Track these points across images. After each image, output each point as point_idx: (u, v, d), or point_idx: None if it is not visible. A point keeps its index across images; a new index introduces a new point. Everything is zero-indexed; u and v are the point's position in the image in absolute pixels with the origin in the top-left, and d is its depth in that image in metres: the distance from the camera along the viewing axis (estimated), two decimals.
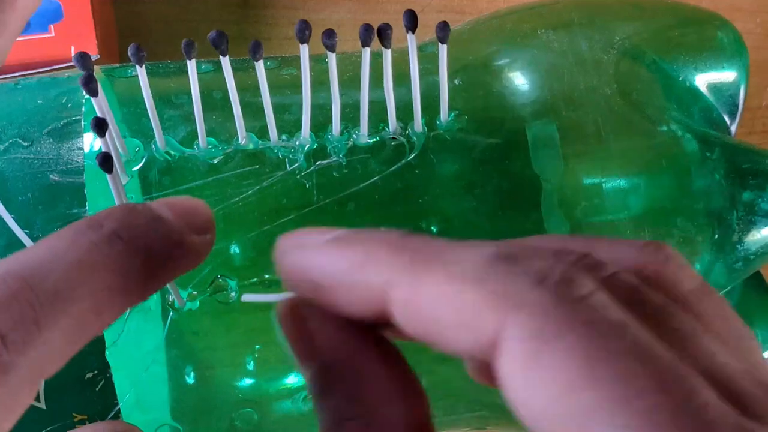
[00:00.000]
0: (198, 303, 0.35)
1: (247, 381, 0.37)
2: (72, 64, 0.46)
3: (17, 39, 0.44)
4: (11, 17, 0.31)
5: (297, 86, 0.35)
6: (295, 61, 0.37)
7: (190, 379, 0.36)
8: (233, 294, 0.35)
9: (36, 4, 0.32)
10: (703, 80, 0.41)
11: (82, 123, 0.36)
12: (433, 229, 0.36)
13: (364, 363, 0.25)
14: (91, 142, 0.35)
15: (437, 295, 0.22)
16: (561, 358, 0.19)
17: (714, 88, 0.41)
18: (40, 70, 0.46)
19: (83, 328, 0.23)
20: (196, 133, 0.35)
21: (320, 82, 0.36)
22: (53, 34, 0.47)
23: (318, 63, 0.38)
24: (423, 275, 0.22)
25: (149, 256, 0.25)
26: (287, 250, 0.25)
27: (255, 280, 0.35)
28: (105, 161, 0.31)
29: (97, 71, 0.39)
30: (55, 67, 0.46)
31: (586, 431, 0.19)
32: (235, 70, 0.34)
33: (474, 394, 0.39)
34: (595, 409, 0.19)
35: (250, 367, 0.37)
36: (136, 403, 0.36)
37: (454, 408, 0.39)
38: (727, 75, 0.41)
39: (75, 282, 0.23)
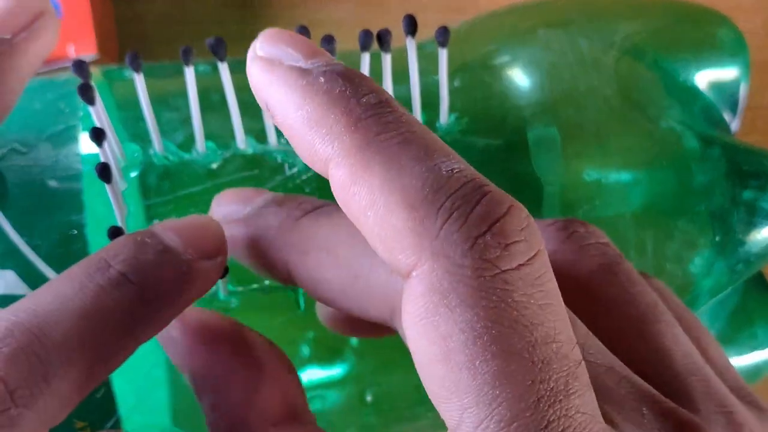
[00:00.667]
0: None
1: None
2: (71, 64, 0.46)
3: None
4: (23, 61, 0.30)
5: None
6: None
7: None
8: (233, 300, 0.35)
9: (50, 46, 0.32)
10: (703, 78, 0.41)
11: (80, 129, 0.36)
12: None
13: (220, 371, 0.28)
14: (88, 146, 0.35)
15: (370, 200, 0.21)
16: (452, 325, 0.20)
17: (714, 86, 0.41)
18: (39, 69, 0.46)
19: (92, 375, 0.23)
20: (195, 136, 0.35)
21: None
22: None
23: None
24: (365, 170, 0.21)
25: (159, 295, 0.25)
26: (265, 59, 0.24)
27: (256, 286, 0.35)
28: (103, 171, 0.30)
29: (96, 73, 0.39)
30: (54, 66, 0.46)
31: (451, 401, 0.20)
32: (234, 71, 0.34)
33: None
34: (463, 386, 0.20)
35: None
36: (136, 406, 0.36)
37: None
38: (727, 73, 0.41)
39: (83, 332, 0.23)
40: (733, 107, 0.41)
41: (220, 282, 0.34)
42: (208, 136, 0.35)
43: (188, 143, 0.35)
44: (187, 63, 0.32)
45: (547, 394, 0.19)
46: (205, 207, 0.35)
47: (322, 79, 0.22)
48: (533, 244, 0.20)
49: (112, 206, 0.32)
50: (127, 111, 0.36)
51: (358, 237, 0.23)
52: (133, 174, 0.35)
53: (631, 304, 0.26)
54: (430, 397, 0.21)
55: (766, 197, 0.38)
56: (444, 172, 0.21)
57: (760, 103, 0.55)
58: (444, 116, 0.36)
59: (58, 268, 0.34)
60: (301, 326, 0.36)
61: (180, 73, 0.33)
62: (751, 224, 0.38)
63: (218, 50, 0.32)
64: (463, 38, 0.40)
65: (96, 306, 0.23)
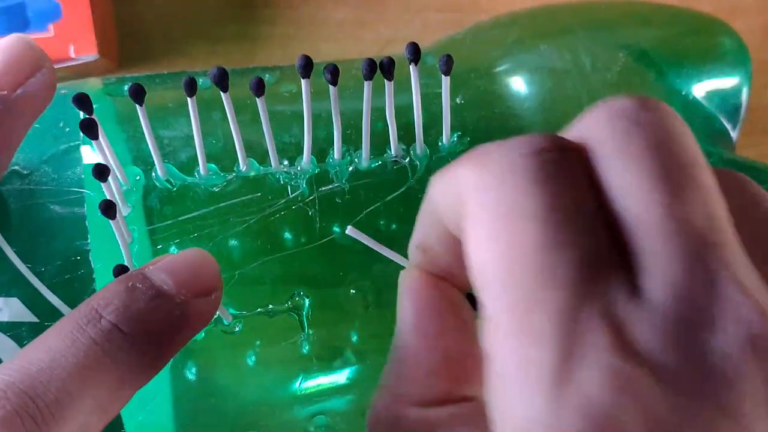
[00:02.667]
0: (203, 333, 0.35)
1: (249, 386, 0.37)
2: (71, 63, 0.46)
3: None
4: (19, 117, 0.30)
5: (296, 104, 0.34)
6: (294, 75, 0.37)
7: (192, 375, 0.37)
8: (237, 324, 0.35)
9: (48, 100, 0.31)
10: (705, 87, 0.40)
11: (82, 149, 0.35)
12: None
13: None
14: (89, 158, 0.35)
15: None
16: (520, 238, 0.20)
17: (716, 94, 0.41)
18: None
19: (89, 426, 0.23)
20: (197, 157, 0.35)
21: (320, 98, 0.35)
22: (52, 34, 0.46)
23: (317, 77, 0.38)
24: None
25: (153, 342, 0.25)
26: None
27: (260, 310, 0.35)
28: (107, 209, 0.30)
29: (98, 86, 0.38)
30: (54, 66, 0.45)
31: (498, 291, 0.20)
32: (235, 86, 0.34)
33: None
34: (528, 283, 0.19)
35: (251, 363, 0.37)
36: (139, 405, 0.37)
37: None
38: (729, 82, 0.41)
39: (76, 388, 0.23)
40: (734, 116, 0.41)
41: (221, 308, 0.34)
42: (210, 159, 0.35)
43: (191, 164, 0.35)
44: (190, 95, 0.32)
45: None
46: (207, 230, 0.35)
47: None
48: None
49: (114, 234, 0.32)
50: (128, 128, 0.36)
51: None
52: (136, 198, 0.35)
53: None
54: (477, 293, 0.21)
55: None
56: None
57: (759, 103, 0.55)
58: (446, 136, 0.36)
59: (63, 294, 0.34)
60: (305, 345, 0.37)
61: (181, 87, 0.33)
62: None
63: (221, 82, 0.32)
64: (464, 51, 0.40)
65: (89, 360, 0.24)
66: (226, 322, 0.35)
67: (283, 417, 0.38)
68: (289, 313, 0.35)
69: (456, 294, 0.27)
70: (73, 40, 0.46)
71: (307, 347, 0.37)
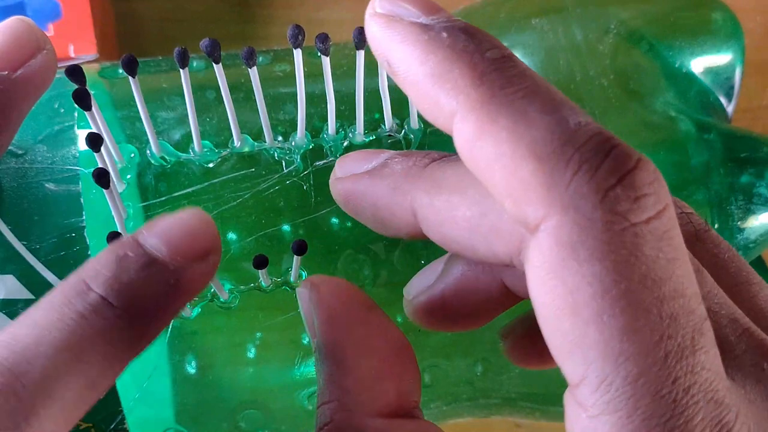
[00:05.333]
0: (199, 309, 0.35)
1: (249, 371, 0.37)
2: (71, 63, 0.46)
3: None
4: (20, 98, 0.30)
5: (290, 83, 0.34)
6: (288, 55, 0.37)
7: (192, 369, 0.36)
8: (234, 300, 0.35)
9: (49, 82, 0.31)
10: (699, 63, 0.40)
11: (76, 129, 0.35)
12: None
13: (350, 342, 0.26)
14: (85, 148, 0.35)
15: (496, 153, 0.21)
16: (581, 279, 0.20)
17: (710, 70, 0.41)
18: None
19: (78, 405, 0.22)
20: (191, 135, 0.35)
21: (314, 77, 0.35)
22: (52, 33, 0.46)
23: (311, 57, 0.38)
24: (492, 123, 0.21)
25: (145, 314, 0.24)
26: (384, 16, 0.24)
27: (253, 285, 0.35)
28: (101, 177, 0.30)
29: (93, 70, 0.39)
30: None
31: (577, 356, 0.20)
32: (228, 67, 0.34)
33: (478, 385, 0.39)
34: (592, 341, 0.20)
35: (251, 354, 0.37)
36: (140, 398, 0.36)
37: (456, 397, 0.39)
38: (723, 57, 0.41)
39: (65, 364, 0.22)
40: (729, 92, 0.41)
41: (217, 284, 0.34)
42: (204, 135, 0.35)
43: (185, 142, 0.35)
44: (183, 66, 0.32)
45: (675, 350, 0.19)
46: (202, 206, 0.35)
47: (444, 34, 0.22)
48: (662, 198, 0.20)
49: (110, 209, 0.32)
50: (123, 110, 0.36)
51: None
52: (131, 176, 0.35)
53: (723, 268, 0.26)
54: (552, 352, 0.21)
55: (763, 183, 0.38)
56: (572, 125, 0.20)
57: (760, 103, 0.55)
58: None
59: (58, 271, 0.34)
60: (305, 337, 0.37)
61: (175, 69, 0.33)
62: (749, 211, 0.38)
63: (213, 52, 0.32)
64: None
65: (77, 336, 0.22)
66: (222, 299, 0.34)
67: (283, 400, 0.38)
68: (284, 287, 0.35)
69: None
70: (73, 39, 0.46)
71: (306, 337, 0.37)
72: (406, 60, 0.23)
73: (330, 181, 0.29)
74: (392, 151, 0.28)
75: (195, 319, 0.35)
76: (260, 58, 0.39)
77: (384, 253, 0.36)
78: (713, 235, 0.27)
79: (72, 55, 0.46)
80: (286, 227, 0.35)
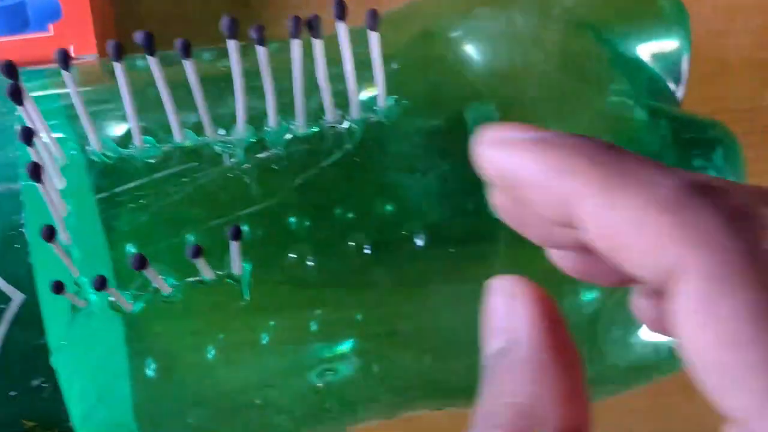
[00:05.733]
0: (143, 303, 0.35)
1: (209, 372, 0.37)
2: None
3: (16, 39, 0.45)
4: None
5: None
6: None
7: (151, 371, 0.36)
8: (177, 293, 0.35)
9: None
10: (646, 49, 0.40)
11: (17, 127, 0.35)
12: (385, 210, 0.36)
13: (533, 358, 0.25)
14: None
15: (625, 217, 0.21)
16: (733, 307, 0.19)
17: (658, 56, 0.41)
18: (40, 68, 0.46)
19: None
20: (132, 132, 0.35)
21: (256, 72, 0.35)
22: (52, 33, 0.46)
23: (254, 53, 0.38)
24: (615, 194, 0.22)
25: None
26: (488, 143, 0.25)
27: (192, 279, 0.35)
28: (34, 171, 0.30)
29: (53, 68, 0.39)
30: (53, 66, 0.46)
31: (741, 388, 0.19)
32: (170, 65, 0.34)
33: (431, 378, 0.39)
34: (754, 367, 0.19)
35: (211, 356, 0.37)
36: (99, 400, 0.36)
37: (408, 390, 0.39)
38: (669, 43, 0.41)
39: None
40: (677, 75, 0.41)
41: (158, 279, 0.33)
42: (146, 132, 0.35)
43: (129, 138, 0.35)
44: (117, 60, 0.32)
45: None
46: (145, 202, 0.35)
47: (552, 136, 0.24)
48: None
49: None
50: (70, 108, 0.36)
51: None
52: (72, 173, 0.35)
53: None
54: (711, 393, 0.20)
55: (713, 165, 0.38)
56: (689, 178, 0.21)
57: (760, 103, 0.55)
58: (381, 99, 0.36)
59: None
60: (260, 314, 0.36)
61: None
62: None
63: (149, 45, 0.32)
64: (401, 20, 0.40)
65: None
66: (164, 294, 0.34)
67: (241, 401, 0.38)
68: (227, 279, 0.35)
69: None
70: (73, 40, 0.46)
71: (266, 338, 0.37)
72: (524, 162, 0.24)
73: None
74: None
75: (153, 320, 0.35)
76: (205, 55, 0.39)
77: (333, 246, 0.36)
78: None
79: (72, 55, 0.46)
80: (228, 220, 0.35)
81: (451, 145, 0.37)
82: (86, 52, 0.46)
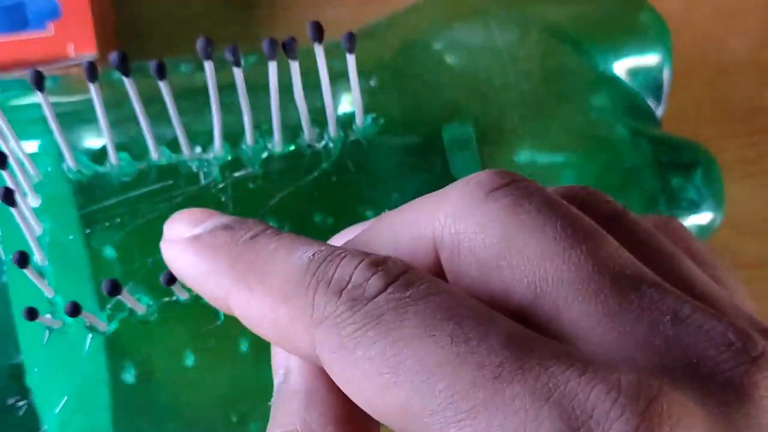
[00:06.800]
0: (116, 323, 0.34)
1: (188, 379, 0.37)
2: (71, 63, 0.46)
3: (15, 38, 0.45)
4: None
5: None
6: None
7: (131, 377, 0.36)
8: (153, 313, 0.35)
9: None
10: (626, 65, 0.40)
11: None
12: None
13: (304, 387, 0.26)
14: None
15: (259, 311, 0.23)
16: (361, 369, 0.21)
17: (638, 72, 0.41)
18: (39, 68, 0.46)
19: None
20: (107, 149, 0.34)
21: (234, 87, 0.35)
22: (52, 33, 0.46)
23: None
24: (251, 289, 0.24)
25: None
26: (167, 243, 0.27)
27: (167, 299, 0.34)
28: (6, 196, 0.30)
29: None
30: (54, 65, 0.46)
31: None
32: (149, 76, 0.34)
33: None
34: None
35: (190, 362, 0.37)
36: (78, 407, 0.36)
37: None
38: (650, 59, 0.41)
39: None
40: (657, 92, 0.41)
41: (132, 300, 0.33)
42: (123, 147, 0.35)
43: (105, 154, 0.35)
44: (92, 80, 0.32)
45: None
46: (120, 221, 0.34)
47: (207, 237, 0.25)
48: (393, 269, 0.22)
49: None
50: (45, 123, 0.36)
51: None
52: (46, 190, 0.34)
53: (643, 244, 0.26)
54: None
55: (691, 186, 0.38)
56: (305, 260, 0.23)
57: (760, 103, 0.55)
58: (359, 118, 0.36)
59: None
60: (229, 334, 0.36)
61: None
62: (679, 212, 0.38)
63: (122, 65, 0.32)
64: (380, 34, 0.40)
65: None
66: (139, 314, 0.34)
67: (218, 411, 0.38)
68: (202, 300, 0.34)
69: None
70: (73, 39, 0.46)
71: (245, 346, 0.37)
72: (187, 269, 0.26)
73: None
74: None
75: (133, 327, 0.35)
76: (182, 67, 0.39)
77: None
78: (631, 219, 0.27)
79: (72, 54, 0.46)
80: None
81: (428, 164, 0.37)
82: (86, 52, 0.46)
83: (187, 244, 0.26)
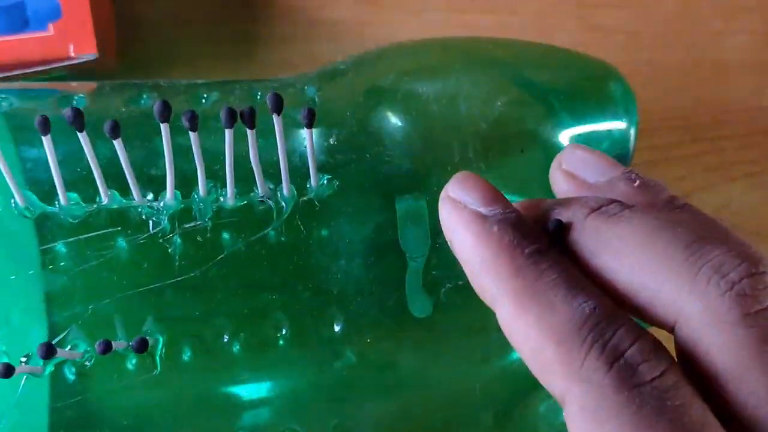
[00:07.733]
0: (52, 367, 0.34)
1: (128, 383, 0.37)
2: (71, 63, 0.45)
3: (15, 38, 0.44)
4: None
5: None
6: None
7: (71, 375, 0.36)
8: (86, 362, 0.35)
9: None
10: (592, 129, 0.40)
11: None
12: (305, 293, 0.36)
13: None
14: None
15: (525, 334, 0.25)
16: None
17: (605, 137, 0.40)
18: (39, 68, 0.46)
19: None
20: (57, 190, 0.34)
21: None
22: (52, 33, 0.46)
23: (194, 105, 0.37)
24: (525, 310, 0.25)
25: None
26: (449, 193, 0.29)
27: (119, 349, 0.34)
28: None
29: None
30: (54, 65, 0.46)
31: None
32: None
33: None
34: None
35: (131, 366, 0.37)
36: (16, 404, 0.36)
37: None
38: (617, 125, 0.40)
39: None
40: (624, 160, 0.41)
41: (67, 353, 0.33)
42: (74, 187, 0.35)
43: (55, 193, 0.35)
44: (44, 133, 0.32)
45: None
46: (62, 264, 0.34)
47: (495, 228, 0.27)
48: (661, 361, 0.24)
49: None
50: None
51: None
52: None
53: None
54: None
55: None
56: (587, 311, 0.25)
57: (759, 103, 0.55)
58: (314, 179, 0.36)
59: None
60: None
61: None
62: None
63: (75, 120, 0.31)
64: (346, 88, 0.39)
65: None
66: (78, 359, 0.34)
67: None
68: (134, 352, 0.34)
69: None
70: (73, 39, 0.46)
71: (188, 354, 0.37)
72: (463, 244, 0.27)
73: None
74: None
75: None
76: (143, 100, 0.38)
77: (253, 317, 0.36)
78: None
79: (72, 54, 0.46)
80: (148, 290, 0.35)
81: (379, 235, 0.36)
82: (86, 52, 0.46)
83: (469, 222, 0.27)
